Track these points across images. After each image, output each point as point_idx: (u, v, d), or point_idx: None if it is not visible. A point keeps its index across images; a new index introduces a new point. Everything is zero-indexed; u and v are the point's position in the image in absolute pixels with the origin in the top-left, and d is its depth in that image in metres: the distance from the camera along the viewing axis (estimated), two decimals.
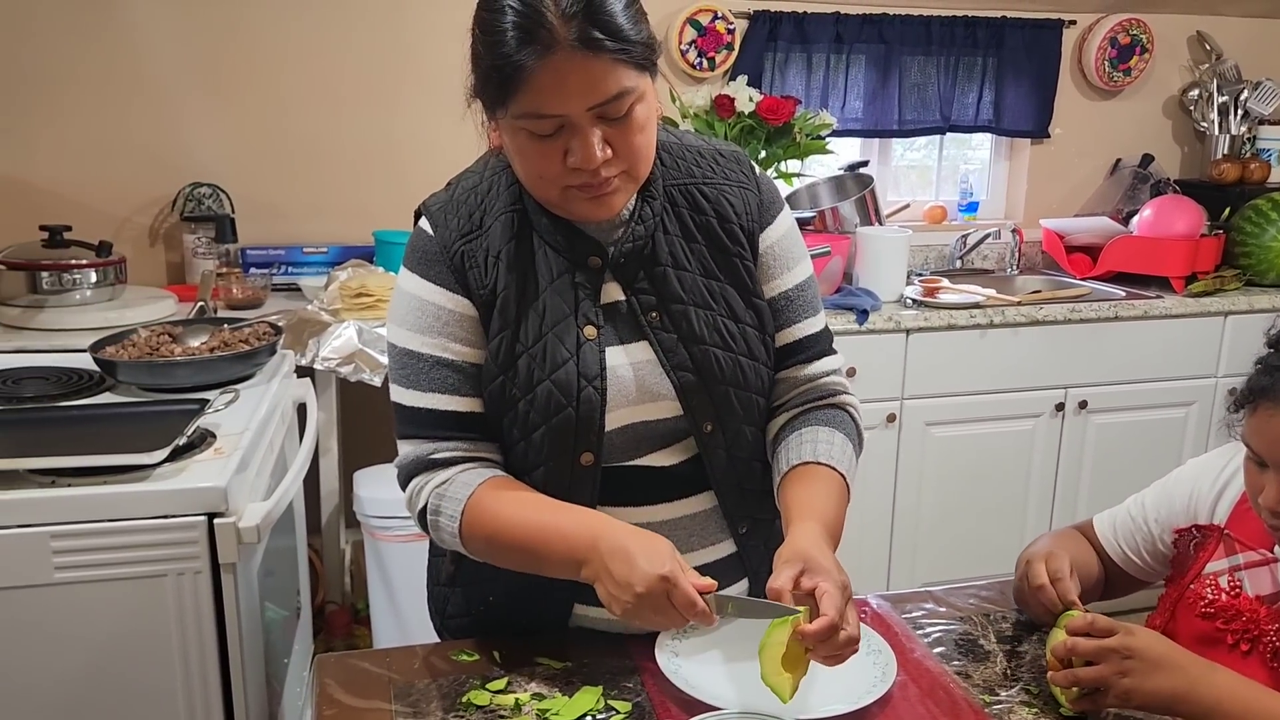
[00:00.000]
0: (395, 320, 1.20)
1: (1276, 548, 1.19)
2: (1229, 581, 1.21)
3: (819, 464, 1.19)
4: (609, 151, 1.07)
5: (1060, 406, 2.90)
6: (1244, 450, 1.17)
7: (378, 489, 2.35)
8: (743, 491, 1.25)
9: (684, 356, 1.18)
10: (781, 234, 1.26)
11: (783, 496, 1.19)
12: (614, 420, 1.18)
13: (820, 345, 1.28)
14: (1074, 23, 3.34)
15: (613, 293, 1.19)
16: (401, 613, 2.35)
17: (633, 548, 1.05)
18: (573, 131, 1.06)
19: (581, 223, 1.17)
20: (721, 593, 1.08)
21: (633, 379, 1.18)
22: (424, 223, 1.20)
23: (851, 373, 2.67)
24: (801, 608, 1.05)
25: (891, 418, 2.76)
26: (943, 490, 2.86)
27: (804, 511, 1.14)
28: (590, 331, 1.17)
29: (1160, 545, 1.34)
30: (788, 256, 1.26)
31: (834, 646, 1.02)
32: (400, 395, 1.20)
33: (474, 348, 1.18)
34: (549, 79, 1.02)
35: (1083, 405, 2.91)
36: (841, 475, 1.20)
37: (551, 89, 1.03)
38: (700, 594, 1.04)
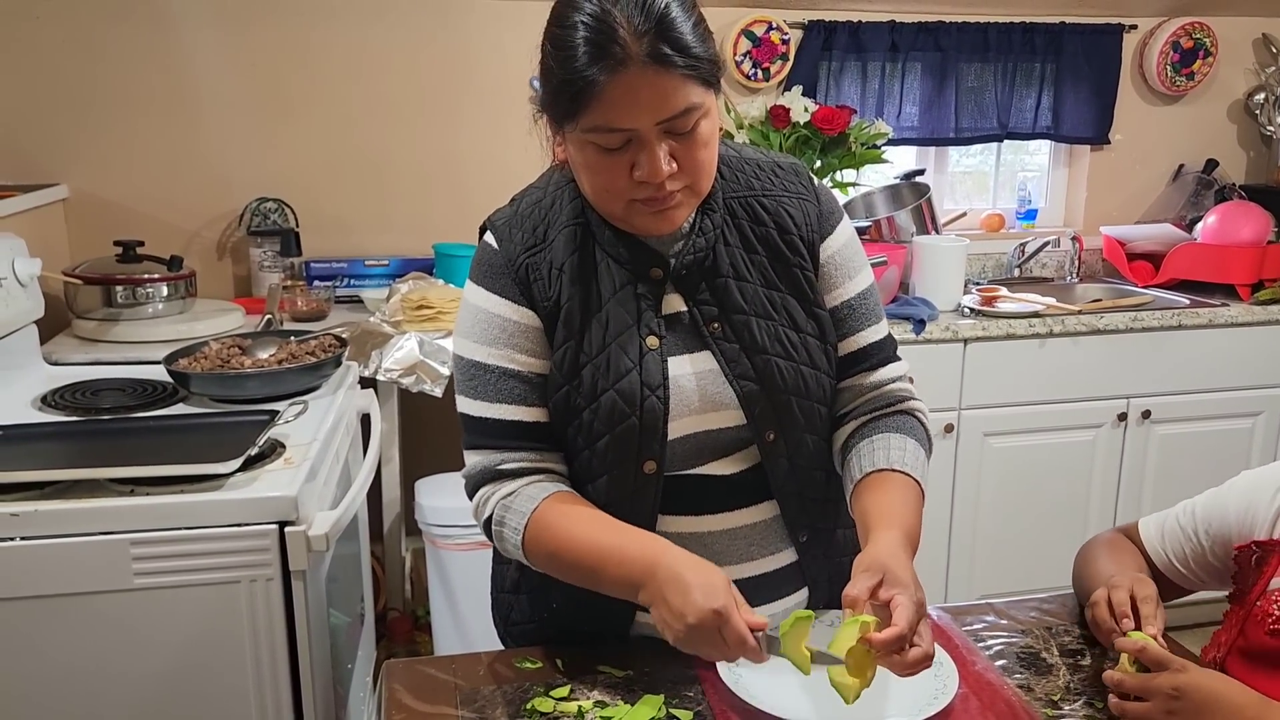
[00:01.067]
0: (462, 333, 1.23)
1: None
2: None
3: (894, 470, 1.20)
4: (674, 166, 1.09)
5: (1123, 416, 2.85)
6: None
7: (439, 498, 2.39)
8: (804, 500, 1.26)
9: (746, 366, 1.20)
10: (842, 244, 1.27)
11: (859, 504, 1.20)
12: (677, 429, 1.20)
13: (884, 352, 1.29)
14: (1134, 27, 3.29)
15: (674, 304, 1.21)
16: (462, 619, 2.39)
17: (689, 578, 1.06)
18: (640, 146, 1.08)
19: (643, 235, 1.20)
20: (770, 632, 1.09)
21: (695, 388, 1.20)
22: (489, 237, 1.23)
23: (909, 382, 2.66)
24: (871, 617, 1.05)
25: (949, 428, 2.74)
26: (1001, 502, 2.83)
27: (884, 520, 1.14)
28: (653, 342, 1.19)
29: (1211, 558, 1.31)
30: (849, 265, 1.27)
31: (903, 660, 1.03)
32: (468, 406, 1.23)
33: (539, 358, 1.21)
34: (620, 93, 1.05)
35: (1146, 415, 2.86)
36: (916, 481, 1.21)
37: (622, 103, 1.05)
38: (752, 630, 1.05)
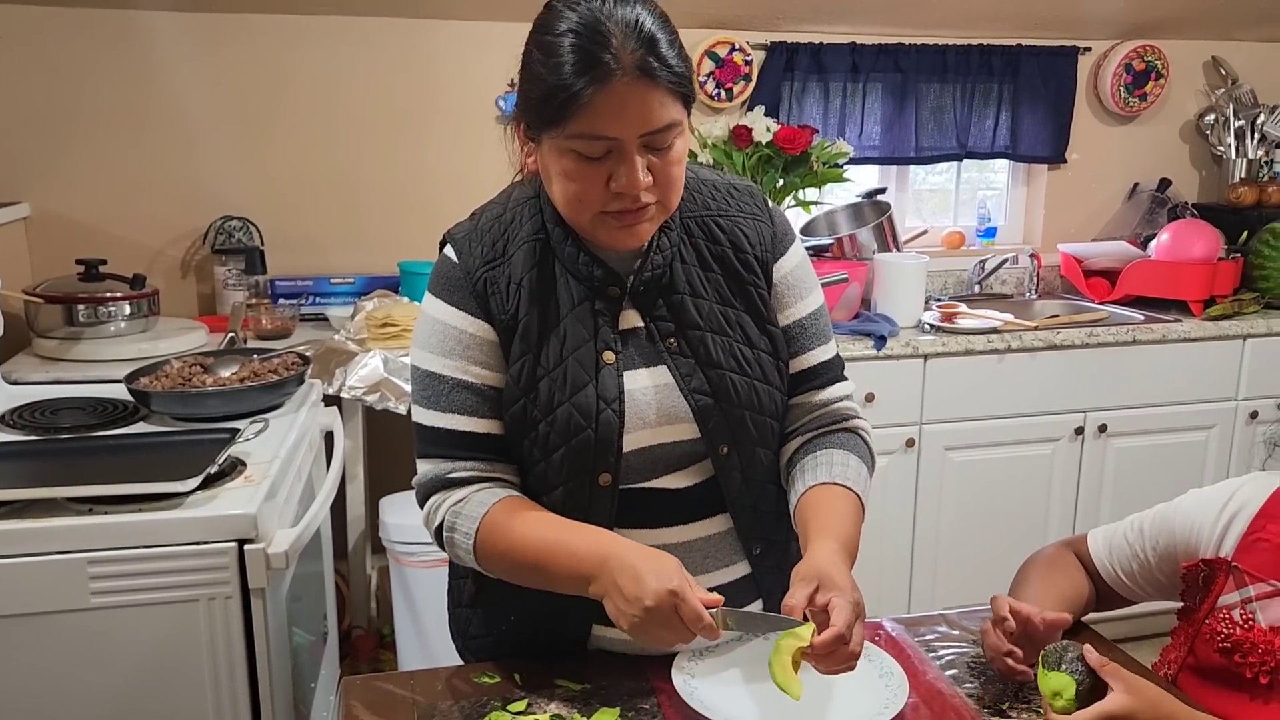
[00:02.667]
0: (419, 344, 1.25)
1: None
2: (1242, 615, 1.22)
3: (835, 484, 1.23)
4: (650, 179, 1.12)
5: (1080, 430, 2.91)
6: (1251, 479, 1.18)
7: (403, 515, 2.39)
8: (757, 513, 1.28)
9: (701, 380, 1.22)
10: (794, 264, 1.30)
11: (800, 517, 1.23)
12: (632, 442, 1.22)
13: (832, 372, 1.32)
14: (1089, 49, 3.37)
15: (631, 319, 1.24)
16: (426, 637, 2.38)
17: (641, 565, 1.08)
18: (620, 157, 1.10)
19: (602, 252, 1.22)
20: (726, 608, 1.11)
21: (652, 402, 1.22)
22: (449, 250, 1.25)
23: (870, 398, 2.70)
24: (809, 623, 1.08)
25: (910, 442, 2.78)
26: (962, 515, 2.87)
27: (822, 530, 1.17)
28: (609, 356, 1.21)
29: (1157, 573, 1.35)
30: (800, 286, 1.30)
31: (837, 659, 1.06)
32: (421, 416, 1.24)
33: (494, 371, 1.23)
34: (609, 103, 1.07)
35: (1102, 429, 2.92)
36: (857, 495, 1.24)
37: (610, 113, 1.07)
38: (707, 607, 1.07)
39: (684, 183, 1.22)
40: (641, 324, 1.23)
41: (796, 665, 1.09)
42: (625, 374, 1.22)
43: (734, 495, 1.26)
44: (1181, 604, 1.32)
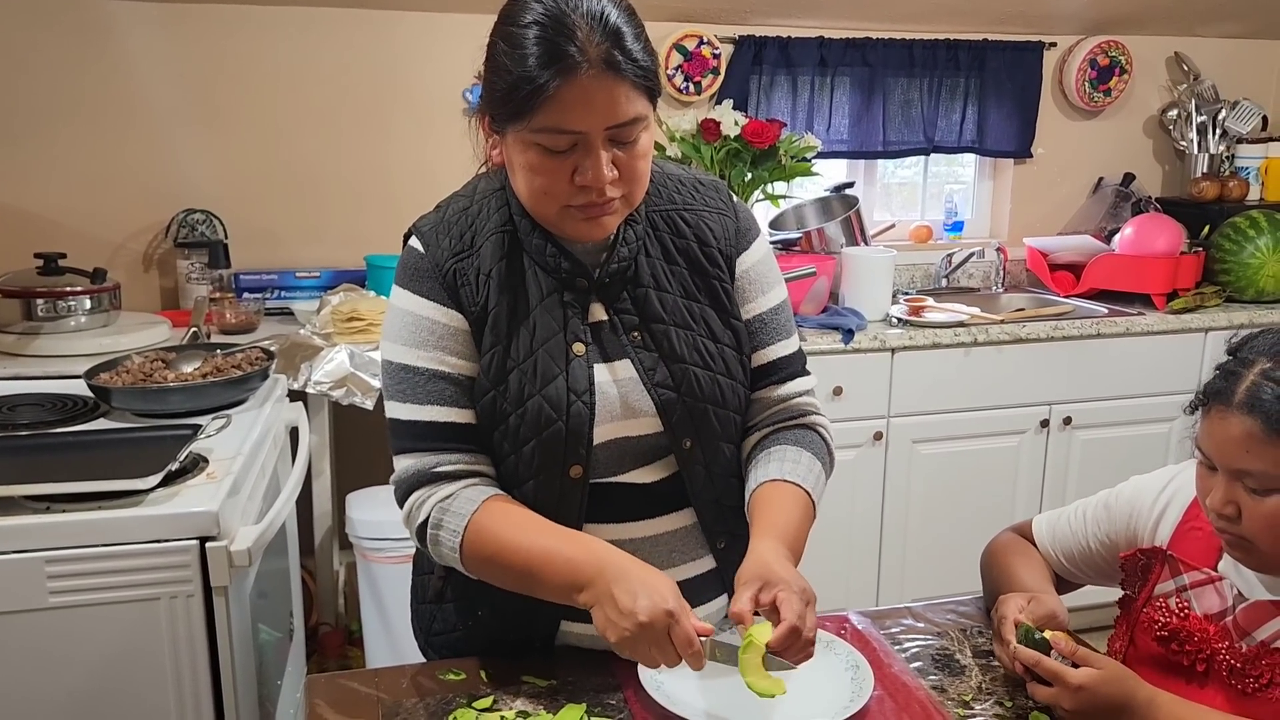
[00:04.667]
0: (390, 337, 1.24)
1: (1219, 565, 1.22)
2: (1177, 603, 1.24)
3: (785, 481, 1.23)
4: (615, 172, 1.12)
5: (1045, 423, 2.93)
6: (1187, 468, 1.20)
7: (370, 511, 2.37)
8: (721, 507, 1.28)
9: (665, 374, 1.22)
10: (758, 259, 1.30)
11: (749, 514, 1.23)
12: (601, 435, 1.22)
13: (793, 367, 1.32)
14: (1054, 45, 3.39)
15: (598, 312, 1.23)
16: (394, 633, 2.37)
17: (638, 579, 1.08)
18: (585, 150, 1.10)
19: (569, 245, 1.21)
20: (716, 638, 1.11)
21: (617, 395, 1.22)
22: (415, 242, 1.24)
23: (838, 391, 2.71)
24: (765, 622, 1.08)
25: (878, 436, 2.79)
26: (930, 507, 2.89)
27: (764, 529, 1.18)
28: (579, 348, 1.20)
29: (1099, 560, 1.37)
30: (763, 280, 1.30)
31: (796, 650, 1.07)
32: (397, 410, 1.22)
33: (468, 361, 1.22)
34: (575, 96, 1.06)
35: (1067, 421, 2.95)
36: (806, 492, 1.24)
37: (576, 106, 1.07)
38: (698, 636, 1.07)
39: (650, 177, 1.22)
40: (606, 317, 1.23)
41: (765, 668, 1.09)
42: (594, 366, 1.21)
43: (698, 489, 1.26)
44: (1122, 593, 1.33)
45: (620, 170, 1.12)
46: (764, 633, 1.08)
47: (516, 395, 1.19)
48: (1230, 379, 1.12)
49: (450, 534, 1.19)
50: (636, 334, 1.22)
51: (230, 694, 1.52)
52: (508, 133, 1.13)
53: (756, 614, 1.10)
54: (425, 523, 1.21)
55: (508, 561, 1.17)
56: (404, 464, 1.23)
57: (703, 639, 1.07)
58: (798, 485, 1.23)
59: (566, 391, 1.19)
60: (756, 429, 1.31)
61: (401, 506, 1.24)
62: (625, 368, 1.22)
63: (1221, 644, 1.18)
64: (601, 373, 1.22)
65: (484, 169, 1.29)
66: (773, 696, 1.08)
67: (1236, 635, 1.18)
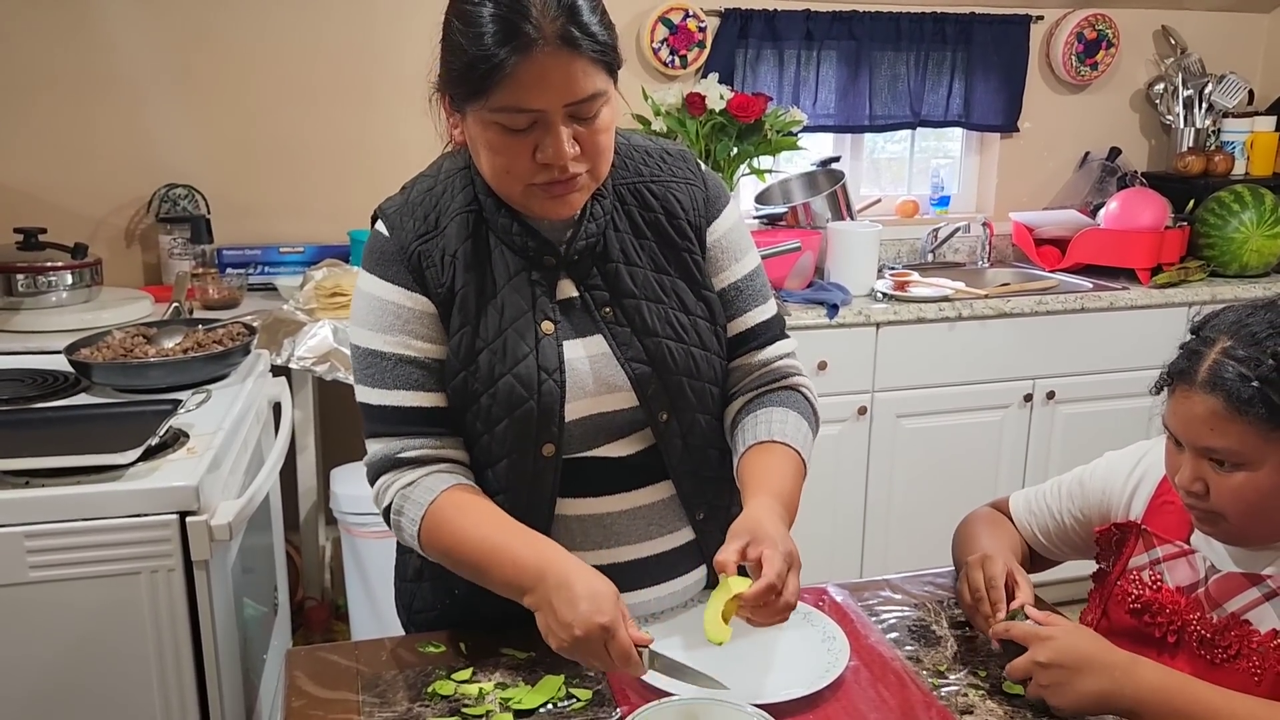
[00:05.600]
0: (357, 322, 1.23)
1: (1191, 538, 1.23)
2: (1150, 576, 1.25)
3: (775, 442, 1.23)
4: (577, 149, 1.11)
5: (1029, 397, 2.95)
6: (1160, 443, 1.21)
7: (355, 486, 2.38)
8: (699, 479, 1.29)
9: (638, 349, 1.22)
10: (729, 227, 1.30)
11: (740, 475, 1.23)
12: (573, 412, 1.22)
13: (772, 331, 1.32)
14: (1041, 18, 3.38)
15: (567, 289, 1.23)
16: (379, 607, 2.38)
17: (578, 588, 1.07)
18: (545, 128, 1.09)
19: (536, 222, 1.21)
20: (653, 648, 1.11)
21: (590, 372, 1.22)
22: (380, 225, 1.24)
23: (822, 366, 2.72)
24: (741, 580, 1.09)
25: (862, 410, 2.80)
26: (914, 481, 2.91)
27: (759, 487, 1.18)
28: (548, 327, 1.20)
29: (1074, 535, 1.38)
30: (735, 248, 1.30)
31: (772, 611, 1.07)
32: (366, 395, 1.23)
33: (436, 344, 1.22)
34: (531, 74, 1.06)
35: (1050, 396, 2.96)
36: (797, 452, 1.24)
37: (533, 83, 1.06)
38: (636, 646, 1.08)
39: (614, 150, 1.21)
40: (577, 294, 1.23)
41: (728, 618, 1.10)
42: (564, 344, 1.21)
43: (675, 462, 1.26)
44: (1096, 567, 1.35)
45: (582, 146, 1.12)
46: (740, 584, 1.09)
47: (487, 375, 1.19)
48: (1193, 358, 1.13)
49: (410, 522, 1.20)
50: (608, 309, 1.22)
51: (213, 667, 1.52)
52: (467, 112, 1.12)
53: (741, 568, 1.11)
54: (389, 507, 1.22)
55: (460, 555, 1.18)
56: (373, 448, 1.24)
57: (641, 649, 1.08)
58: (788, 445, 1.24)
59: (537, 370, 1.19)
60: (740, 394, 1.32)
61: (372, 488, 1.25)
62: (598, 343, 1.22)
63: (1193, 615, 1.20)
64: (572, 350, 1.22)
65: (449, 148, 1.28)
66: (718, 643, 1.09)
67: (1208, 606, 1.19)
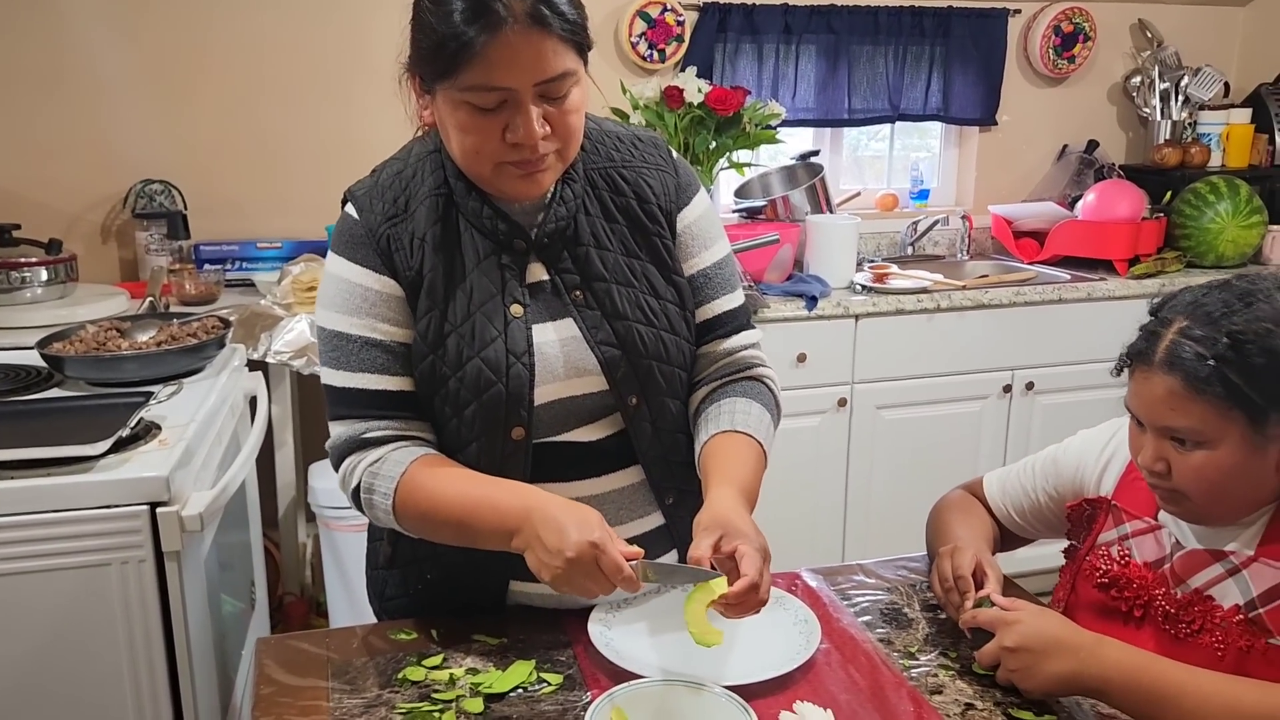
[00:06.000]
0: (324, 304, 1.23)
1: (1159, 515, 1.24)
2: (1119, 551, 1.26)
3: (736, 432, 1.23)
4: (547, 129, 1.11)
5: (1008, 388, 2.96)
6: (1128, 419, 1.22)
7: (333, 480, 2.33)
8: (668, 464, 1.29)
9: (608, 332, 1.22)
10: (699, 214, 1.30)
11: (702, 464, 1.23)
12: (542, 395, 1.21)
13: (738, 320, 1.32)
14: (1018, 12, 3.39)
15: (537, 273, 1.23)
16: (358, 602, 2.37)
17: (564, 517, 1.08)
18: (515, 107, 1.09)
19: (506, 206, 1.21)
20: (646, 560, 1.11)
21: (560, 355, 1.22)
22: (349, 208, 1.23)
23: (802, 358, 2.72)
24: (721, 574, 1.09)
25: (842, 402, 2.81)
26: (894, 472, 2.92)
27: (720, 478, 1.18)
28: (517, 310, 1.20)
29: (1047, 513, 1.39)
30: (705, 236, 1.30)
31: (748, 606, 1.07)
32: (331, 377, 1.23)
33: (402, 328, 1.21)
34: (501, 52, 1.06)
35: (1029, 386, 2.97)
36: (758, 442, 1.24)
37: (503, 62, 1.06)
38: (627, 560, 1.07)
39: (585, 133, 1.21)
40: (547, 277, 1.23)
41: (705, 611, 1.10)
42: (534, 327, 1.21)
43: (645, 446, 1.26)
44: (1068, 543, 1.35)
45: (552, 126, 1.12)
46: (719, 586, 1.08)
47: (455, 359, 1.19)
48: (1151, 339, 1.15)
49: (382, 497, 1.19)
50: (578, 293, 1.22)
51: (184, 659, 1.52)
52: (437, 92, 1.12)
53: (712, 564, 1.10)
54: (358, 488, 1.22)
55: (441, 517, 1.18)
56: (337, 431, 1.23)
57: (633, 563, 1.08)
58: (750, 435, 1.24)
59: (505, 353, 1.18)
60: (704, 383, 1.32)
61: (337, 471, 1.25)
62: (568, 327, 1.22)
63: (1158, 591, 1.20)
64: (542, 333, 1.21)
65: (419, 133, 1.28)
66: (710, 646, 1.09)
67: (1172, 582, 1.20)
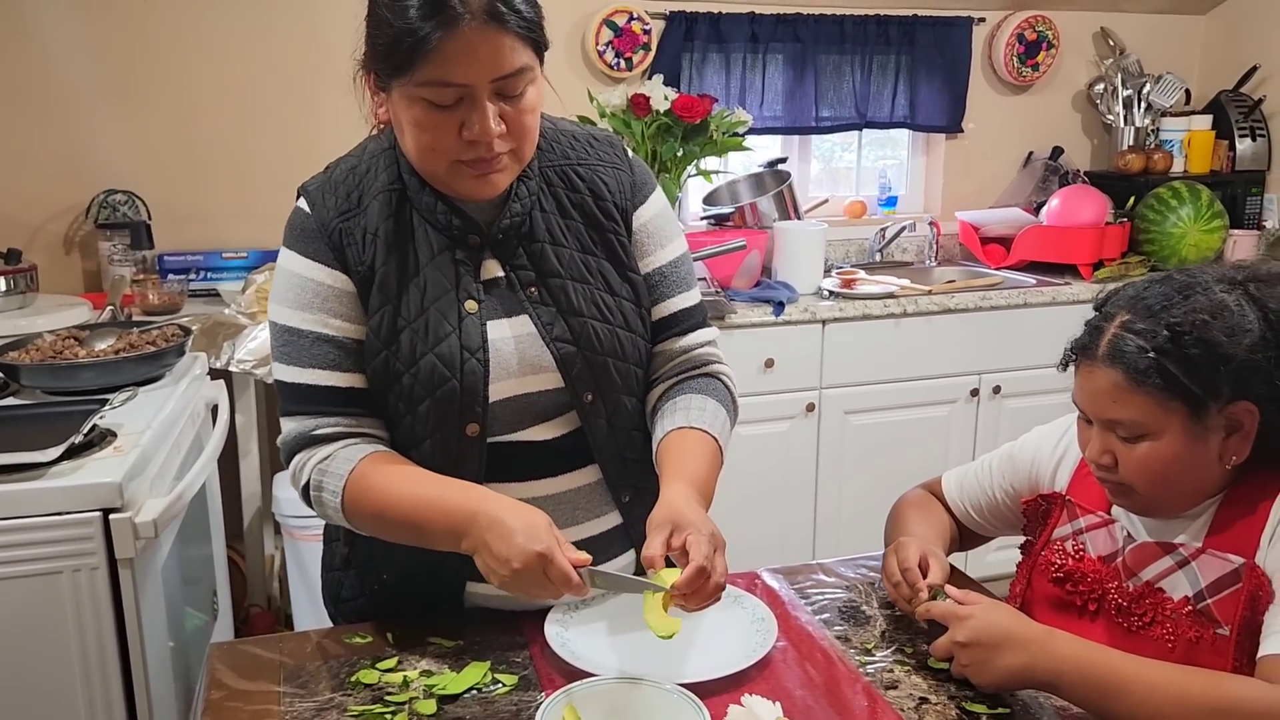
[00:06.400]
0: (276, 299, 1.22)
1: (1113, 509, 1.24)
2: (1074, 545, 1.26)
3: (691, 428, 1.23)
4: (503, 127, 1.11)
5: (975, 392, 2.98)
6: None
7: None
8: (624, 461, 1.28)
9: (563, 328, 1.22)
10: (655, 213, 1.30)
11: (658, 460, 1.24)
12: (497, 392, 1.21)
13: (694, 318, 1.32)
14: (983, 20, 3.43)
15: (492, 269, 1.23)
16: (322, 611, 2.34)
17: (511, 522, 1.08)
18: (471, 104, 1.09)
19: (461, 202, 1.20)
20: (593, 567, 1.11)
21: (515, 352, 1.21)
22: (302, 202, 1.23)
23: (769, 363, 2.73)
24: (673, 568, 1.09)
25: (810, 407, 2.82)
26: (863, 476, 2.92)
27: (673, 474, 1.18)
28: (471, 306, 1.20)
29: (1004, 510, 1.40)
30: (661, 234, 1.30)
31: (704, 594, 1.07)
32: (282, 372, 1.22)
33: (354, 323, 1.21)
34: (458, 48, 1.06)
35: (996, 390, 2.99)
36: (713, 438, 1.24)
37: (459, 59, 1.06)
38: (575, 567, 1.07)
39: (541, 132, 1.21)
40: (502, 273, 1.23)
41: (667, 609, 1.10)
42: (489, 324, 1.21)
43: (600, 443, 1.26)
44: (1024, 539, 1.36)
45: (508, 125, 1.12)
46: (671, 575, 1.08)
47: (408, 354, 1.18)
48: (1094, 334, 1.16)
49: (331, 494, 1.18)
50: (534, 289, 1.22)
51: (140, 669, 1.50)
52: (393, 89, 1.12)
53: (667, 559, 1.10)
54: (308, 485, 1.21)
55: (390, 516, 1.17)
56: (288, 426, 1.23)
57: (581, 570, 1.08)
58: (705, 432, 1.23)
59: (459, 349, 1.18)
60: (660, 380, 1.32)
61: (287, 468, 1.24)
62: (523, 323, 1.22)
63: (1111, 584, 1.21)
64: (497, 329, 1.21)
65: (374, 131, 1.28)
66: (669, 636, 1.08)
67: (1124, 575, 1.21)
